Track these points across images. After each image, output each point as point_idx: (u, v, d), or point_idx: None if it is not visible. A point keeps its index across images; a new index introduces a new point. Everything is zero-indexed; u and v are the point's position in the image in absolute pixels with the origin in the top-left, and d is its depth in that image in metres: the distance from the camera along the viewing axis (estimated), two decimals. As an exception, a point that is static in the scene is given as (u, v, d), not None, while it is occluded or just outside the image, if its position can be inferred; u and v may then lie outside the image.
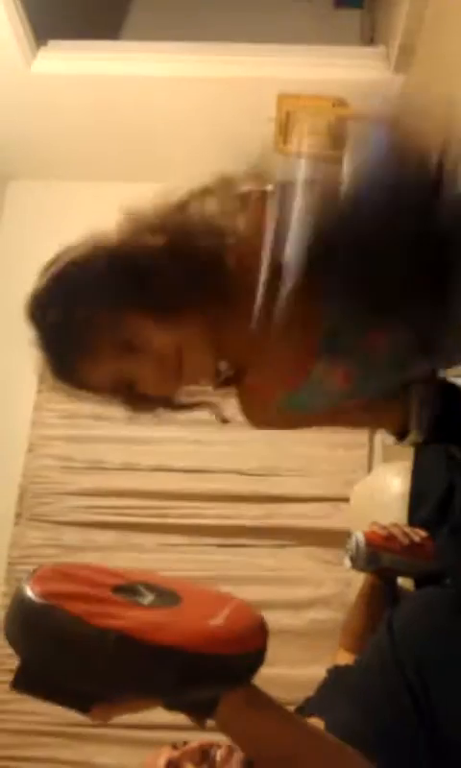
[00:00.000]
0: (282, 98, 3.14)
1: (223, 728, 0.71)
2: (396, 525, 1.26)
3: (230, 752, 0.90)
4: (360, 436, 3.06)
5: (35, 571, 0.69)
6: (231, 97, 3.22)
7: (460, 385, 1.03)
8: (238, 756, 0.89)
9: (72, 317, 0.88)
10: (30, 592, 0.63)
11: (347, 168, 0.76)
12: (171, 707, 0.67)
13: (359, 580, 1.35)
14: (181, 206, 0.90)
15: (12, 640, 0.63)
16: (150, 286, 0.85)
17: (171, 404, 1.00)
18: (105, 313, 0.86)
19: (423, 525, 1.27)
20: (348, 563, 1.26)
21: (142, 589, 0.69)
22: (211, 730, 0.72)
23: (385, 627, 1.04)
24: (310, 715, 0.99)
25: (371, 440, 3.09)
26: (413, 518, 1.34)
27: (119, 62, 3.19)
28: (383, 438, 1.08)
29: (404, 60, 2.94)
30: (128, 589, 0.69)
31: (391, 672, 0.95)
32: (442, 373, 1.02)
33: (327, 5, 3.98)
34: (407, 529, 1.25)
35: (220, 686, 0.68)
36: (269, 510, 2.92)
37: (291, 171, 0.90)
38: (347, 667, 1.10)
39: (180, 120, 3.36)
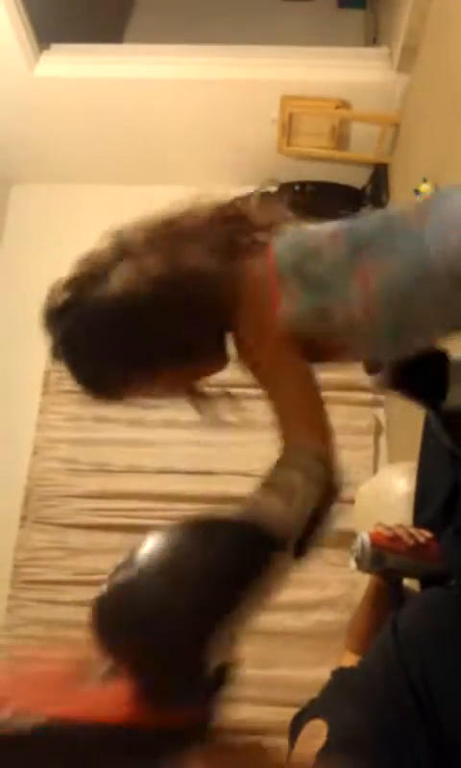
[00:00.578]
0: (285, 100, 3.15)
1: None
2: (401, 526, 1.25)
3: None
4: (366, 437, 3.06)
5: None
6: (234, 99, 3.23)
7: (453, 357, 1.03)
8: None
9: (88, 373, 0.94)
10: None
11: None
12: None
13: (365, 581, 1.35)
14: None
15: None
16: (169, 343, 0.86)
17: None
18: (120, 372, 0.90)
19: (428, 526, 1.27)
20: (353, 564, 1.26)
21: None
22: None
23: (390, 628, 1.03)
24: (314, 717, 0.99)
25: (376, 441, 3.09)
26: (418, 519, 1.33)
27: (122, 66, 3.21)
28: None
29: (407, 60, 2.94)
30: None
31: (395, 673, 0.94)
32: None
33: (330, 6, 3.99)
34: (412, 530, 1.25)
35: (166, 754, 0.64)
36: (274, 511, 2.92)
37: None
38: (351, 669, 1.09)
39: (183, 122, 3.37)
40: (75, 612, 2.80)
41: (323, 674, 1.17)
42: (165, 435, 3.08)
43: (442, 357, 1.03)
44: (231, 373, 0.95)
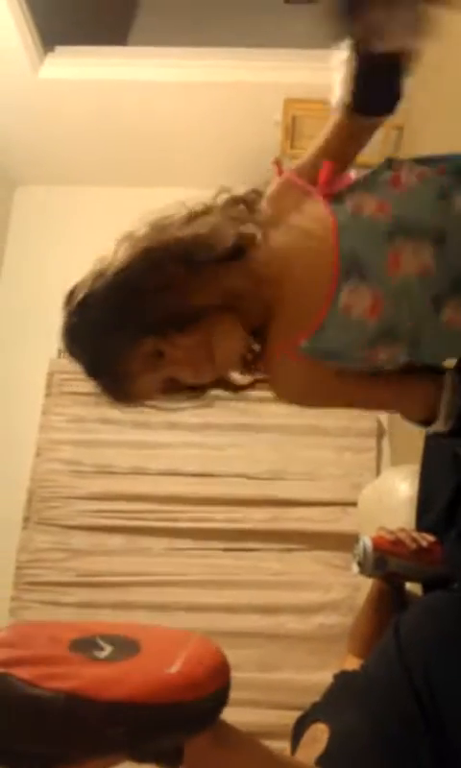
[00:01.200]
0: (289, 102, 3.15)
1: None
2: (403, 530, 1.25)
3: None
4: (368, 440, 3.05)
5: None
6: (238, 102, 3.23)
7: None
8: None
9: (99, 353, 0.92)
10: None
11: None
12: (136, 759, 0.67)
13: (367, 585, 1.35)
14: (186, 221, 0.93)
15: None
16: (165, 309, 0.89)
17: (225, 384, 1.03)
18: (128, 343, 0.90)
19: (430, 530, 1.27)
20: (355, 567, 1.26)
21: (100, 642, 0.69)
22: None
23: (392, 632, 1.03)
24: (316, 721, 0.99)
25: (379, 444, 3.08)
26: (420, 523, 1.33)
27: (126, 68, 3.21)
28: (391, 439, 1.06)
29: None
30: (86, 643, 0.69)
31: (397, 677, 0.94)
32: None
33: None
34: (415, 534, 1.25)
35: (180, 734, 0.67)
36: (277, 514, 2.92)
37: None
38: (353, 672, 1.09)
39: (186, 125, 3.37)
40: (78, 613, 2.80)
41: (325, 677, 1.17)
42: (168, 437, 3.08)
43: None
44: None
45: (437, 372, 1.01)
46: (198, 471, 3.02)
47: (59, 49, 3.20)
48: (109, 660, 0.67)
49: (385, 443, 3.10)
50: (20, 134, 3.42)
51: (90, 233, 3.58)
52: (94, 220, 3.60)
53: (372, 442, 3.06)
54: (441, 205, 0.92)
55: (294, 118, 3.20)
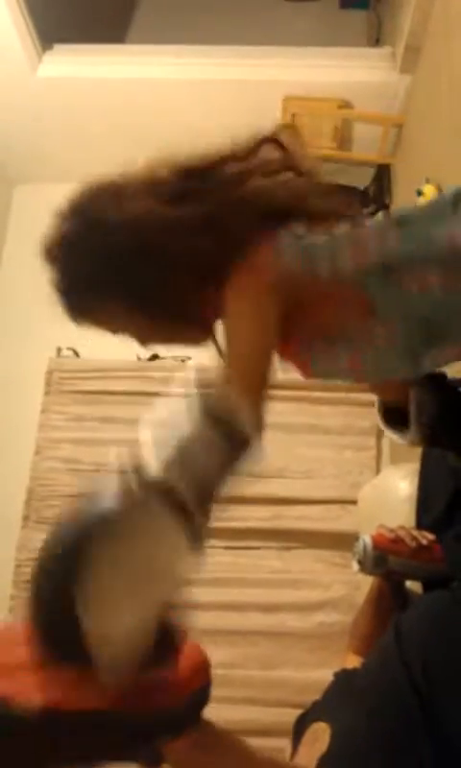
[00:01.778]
0: (288, 100, 3.15)
1: None
2: (403, 528, 1.25)
3: None
4: (368, 438, 3.05)
5: None
6: (237, 99, 3.23)
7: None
8: None
9: (76, 277, 0.86)
10: None
11: None
12: (117, 762, 0.66)
13: (367, 583, 1.35)
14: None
15: None
16: (156, 292, 0.84)
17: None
18: (104, 290, 0.85)
19: (430, 528, 1.27)
20: (355, 566, 1.26)
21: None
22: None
23: (392, 631, 1.03)
24: (317, 720, 0.99)
25: (378, 442, 3.08)
26: (420, 522, 1.33)
27: (125, 66, 3.21)
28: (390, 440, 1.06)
29: (410, 61, 2.93)
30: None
31: (398, 675, 0.94)
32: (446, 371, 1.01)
33: (333, 6, 3.98)
34: (415, 532, 1.25)
35: (160, 737, 0.66)
36: (277, 512, 2.92)
37: None
38: (354, 671, 1.09)
39: (185, 122, 3.36)
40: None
41: (325, 675, 1.17)
42: (167, 435, 3.08)
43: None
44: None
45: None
46: (197, 470, 3.01)
47: (57, 47, 3.19)
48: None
49: (385, 441, 3.10)
50: (19, 133, 3.42)
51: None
52: (93, 218, 3.60)
53: (372, 440, 3.06)
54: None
55: (293, 116, 3.20)
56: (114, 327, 0.88)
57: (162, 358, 3.14)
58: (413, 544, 1.21)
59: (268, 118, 3.21)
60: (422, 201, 2.46)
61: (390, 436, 1.05)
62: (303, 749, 0.97)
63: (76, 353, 3.26)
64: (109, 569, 0.61)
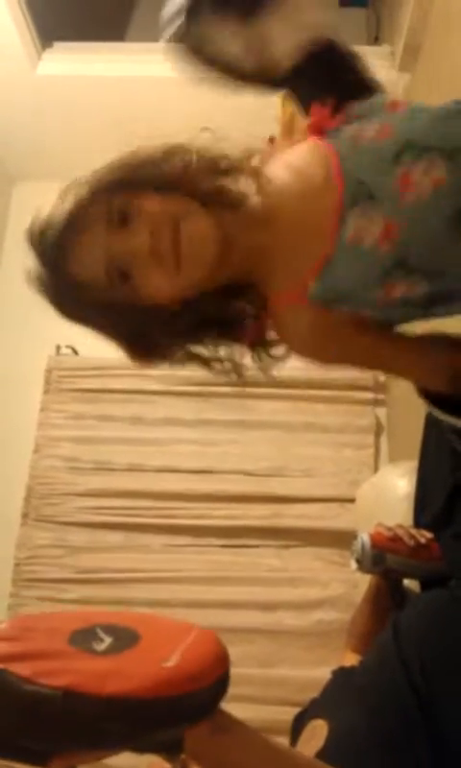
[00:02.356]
0: (287, 98, 3.14)
1: (194, 759, 0.71)
2: (401, 526, 1.26)
3: None
4: (367, 436, 3.06)
5: None
6: (235, 97, 3.22)
7: None
8: None
9: (69, 199, 0.91)
10: None
11: None
12: (137, 750, 0.68)
13: (365, 581, 1.35)
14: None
15: None
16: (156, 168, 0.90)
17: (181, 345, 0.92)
18: (101, 193, 0.90)
19: (428, 527, 1.27)
20: (354, 564, 1.26)
21: (100, 633, 0.69)
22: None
23: (391, 629, 1.04)
24: (315, 717, 0.99)
25: (377, 440, 3.09)
26: (418, 520, 1.33)
27: (124, 64, 3.20)
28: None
29: (410, 59, 2.93)
30: (85, 634, 0.69)
31: (396, 673, 0.94)
32: None
33: (332, 4, 3.97)
34: (413, 530, 1.25)
35: (178, 726, 0.67)
36: (275, 510, 2.92)
37: None
38: (352, 669, 1.10)
39: (184, 120, 3.36)
40: (76, 610, 2.80)
41: (323, 673, 1.17)
42: (167, 433, 3.08)
43: None
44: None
45: None
46: (196, 468, 3.02)
47: (57, 45, 3.19)
48: (106, 652, 0.67)
49: (383, 439, 3.10)
50: (18, 130, 3.41)
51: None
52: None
53: (370, 438, 3.06)
54: (447, 123, 0.86)
55: (292, 114, 3.19)
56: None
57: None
58: (411, 543, 1.22)
59: (267, 116, 3.21)
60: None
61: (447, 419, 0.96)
62: (300, 746, 0.97)
63: (75, 351, 3.25)
64: None
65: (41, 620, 0.73)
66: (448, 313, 0.89)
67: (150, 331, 0.88)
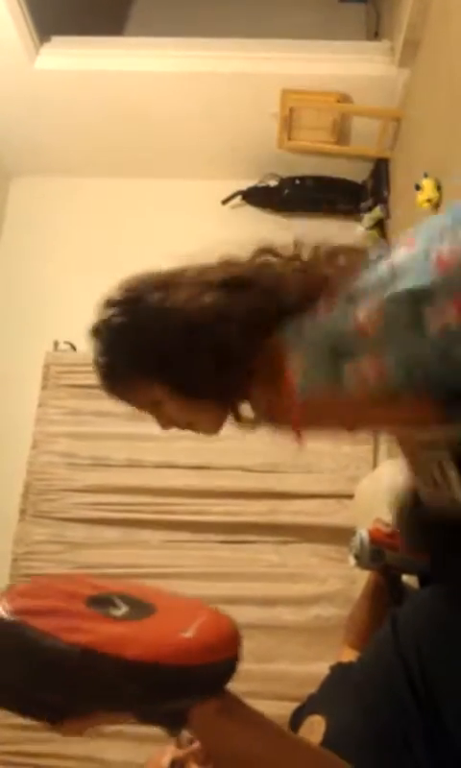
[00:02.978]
0: (286, 93, 3.14)
1: (196, 736, 0.72)
2: (399, 522, 1.25)
3: None
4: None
5: (11, 588, 0.71)
6: (235, 92, 3.22)
7: None
8: None
9: (117, 360, 0.99)
10: (1, 610, 0.65)
11: None
12: (143, 719, 0.69)
13: (363, 577, 1.35)
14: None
15: None
16: (184, 370, 0.94)
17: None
18: (138, 377, 0.98)
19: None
20: (352, 560, 1.27)
21: (117, 601, 0.71)
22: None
23: (389, 624, 1.04)
24: (312, 713, 1.00)
25: (376, 436, 3.09)
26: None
27: (122, 58, 3.19)
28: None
29: (409, 54, 2.93)
30: (103, 601, 0.70)
31: (394, 669, 0.94)
32: None
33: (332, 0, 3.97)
34: (411, 527, 1.25)
35: (189, 698, 0.68)
36: (273, 506, 2.92)
37: None
38: (350, 664, 1.10)
39: (183, 116, 3.35)
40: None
41: (321, 668, 1.17)
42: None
43: None
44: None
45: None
46: (195, 464, 3.02)
47: (55, 39, 3.18)
48: (124, 618, 0.68)
49: (382, 436, 3.10)
50: (16, 125, 3.40)
51: (87, 225, 3.58)
52: (90, 211, 3.59)
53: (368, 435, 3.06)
54: None
55: (291, 109, 3.19)
56: (145, 403, 1.03)
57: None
58: (409, 539, 1.22)
59: (266, 111, 3.21)
60: (420, 197, 2.45)
61: None
62: (299, 742, 0.97)
63: (73, 347, 3.25)
64: None
65: (59, 582, 0.74)
66: None
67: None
